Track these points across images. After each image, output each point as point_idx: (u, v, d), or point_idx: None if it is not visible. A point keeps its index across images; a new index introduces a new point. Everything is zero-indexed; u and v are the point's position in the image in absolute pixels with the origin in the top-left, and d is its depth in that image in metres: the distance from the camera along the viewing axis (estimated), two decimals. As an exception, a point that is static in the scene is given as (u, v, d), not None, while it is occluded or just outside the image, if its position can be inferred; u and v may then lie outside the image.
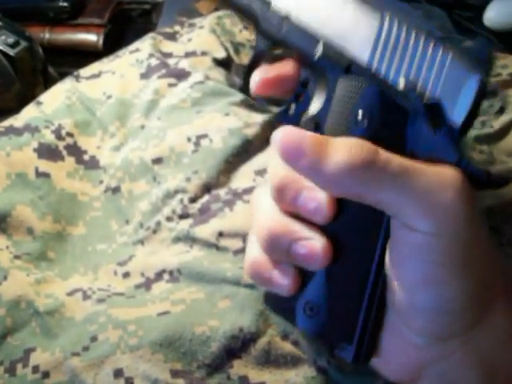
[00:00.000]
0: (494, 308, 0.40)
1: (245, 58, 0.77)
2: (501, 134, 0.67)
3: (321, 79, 0.45)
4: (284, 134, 0.39)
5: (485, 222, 0.41)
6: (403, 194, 0.37)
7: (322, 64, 0.44)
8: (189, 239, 0.59)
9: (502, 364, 0.41)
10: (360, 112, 0.42)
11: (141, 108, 0.70)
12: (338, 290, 0.43)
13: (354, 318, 0.42)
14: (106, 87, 0.73)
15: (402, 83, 0.42)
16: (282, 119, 0.47)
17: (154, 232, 0.61)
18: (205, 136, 0.64)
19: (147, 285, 0.57)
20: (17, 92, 0.76)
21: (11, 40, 0.74)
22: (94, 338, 0.52)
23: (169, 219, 0.61)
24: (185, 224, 0.60)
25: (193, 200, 0.61)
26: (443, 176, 0.38)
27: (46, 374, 0.50)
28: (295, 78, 0.47)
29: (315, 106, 0.45)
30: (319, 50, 0.44)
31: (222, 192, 0.61)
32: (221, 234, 0.58)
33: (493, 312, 0.40)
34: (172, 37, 0.79)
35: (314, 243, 0.41)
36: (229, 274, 0.55)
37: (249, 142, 0.64)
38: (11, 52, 0.74)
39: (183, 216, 0.61)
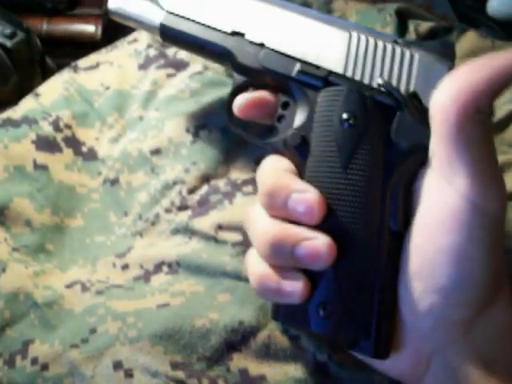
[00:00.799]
0: (496, 300, 0.41)
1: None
2: (503, 124, 0.66)
3: (301, 95, 0.48)
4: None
5: None
6: (482, 161, 0.40)
7: (301, 79, 0.48)
8: (188, 231, 0.59)
9: (500, 356, 0.42)
10: (344, 115, 0.44)
11: (139, 99, 0.69)
12: (349, 286, 0.43)
13: (369, 311, 0.43)
14: (104, 78, 0.72)
15: (379, 81, 0.45)
16: (265, 141, 0.50)
17: (153, 224, 0.61)
18: (204, 127, 0.64)
19: (146, 277, 0.57)
20: (14, 84, 0.76)
21: (8, 31, 0.74)
22: (93, 330, 0.52)
23: (167, 211, 0.61)
24: (183, 216, 0.60)
25: (191, 191, 0.61)
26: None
27: (45, 366, 0.50)
28: (275, 102, 0.51)
29: (299, 120, 0.48)
30: (297, 67, 0.48)
31: (221, 183, 0.61)
32: (220, 227, 0.57)
33: (495, 304, 0.41)
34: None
35: (316, 242, 0.42)
36: (228, 267, 0.55)
37: None
38: (8, 43, 0.74)
39: (182, 208, 0.61)
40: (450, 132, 0.39)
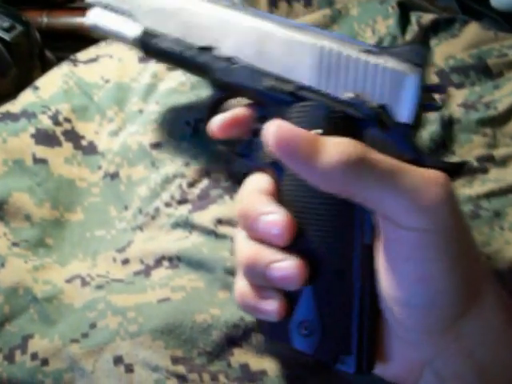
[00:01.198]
0: (482, 303, 0.41)
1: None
2: (505, 116, 0.66)
3: (274, 111, 0.47)
4: (278, 128, 0.40)
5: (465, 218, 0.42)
6: (394, 192, 0.38)
7: (271, 95, 0.47)
8: (188, 225, 0.59)
9: (491, 360, 0.41)
10: (314, 131, 0.43)
11: (139, 92, 0.69)
12: (327, 304, 0.43)
13: (348, 328, 0.43)
14: (103, 71, 0.72)
15: (349, 95, 0.44)
16: (244, 156, 0.50)
17: (153, 218, 0.60)
18: (203, 120, 0.64)
19: (147, 271, 0.57)
20: (13, 77, 0.75)
21: (7, 24, 0.74)
22: (93, 325, 0.52)
23: (167, 205, 0.61)
24: (183, 210, 0.60)
25: (191, 185, 0.61)
26: (428, 174, 0.39)
27: (45, 361, 0.50)
28: (251, 117, 0.50)
29: None
30: (266, 82, 0.47)
31: (221, 177, 0.61)
32: (219, 221, 0.57)
33: (481, 308, 0.41)
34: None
35: (286, 264, 0.42)
36: (228, 264, 0.55)
37: None
38: (7, 37, 0.74)
39: (182, 201, 0.60)
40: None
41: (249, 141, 0.50)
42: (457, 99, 0.69)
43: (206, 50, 0.51)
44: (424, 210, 0.38)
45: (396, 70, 0.44)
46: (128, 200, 0.63)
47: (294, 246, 0.44)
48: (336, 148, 0.39)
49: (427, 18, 0.76)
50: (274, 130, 0.39)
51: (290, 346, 0.45)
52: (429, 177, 0.39)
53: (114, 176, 0.64)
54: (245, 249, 0.45)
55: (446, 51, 0.75)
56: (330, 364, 0.44)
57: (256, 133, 0.50)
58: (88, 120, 0.69)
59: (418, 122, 0.44)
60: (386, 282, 0.41)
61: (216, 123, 0.51)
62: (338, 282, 0.43)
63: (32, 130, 0.65)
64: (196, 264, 0.56)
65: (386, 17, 0.77)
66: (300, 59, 0.47)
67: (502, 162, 0.62)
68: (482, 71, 0.71)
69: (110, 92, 0.70)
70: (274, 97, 0.47)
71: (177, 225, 0.59)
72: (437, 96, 0.69)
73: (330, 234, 0.43)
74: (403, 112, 0.44)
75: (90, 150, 0.67)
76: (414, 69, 0.44)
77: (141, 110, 0.68)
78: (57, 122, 0.67)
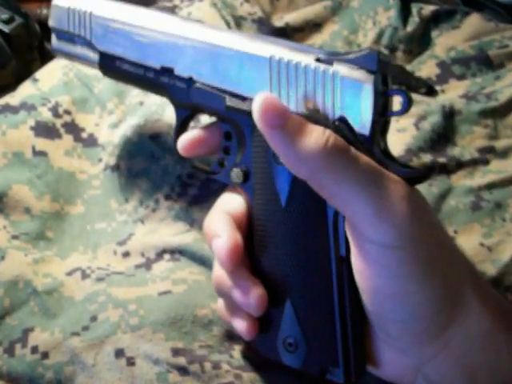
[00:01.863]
0: (466, 310, 0.41)
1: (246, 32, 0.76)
2: (506, 107, 0.66)
3: (237, 131, 0.47)
4: (267, 99, 0.39)
5: (442, 224, 0.43)
6: (362, 195, 0.38)
7: (231, 115, 0.46)
8: (188, 218, 0.59)
9: (481, 364, 0.41)
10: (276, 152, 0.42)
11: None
12: (309, 319, 0.44)
13: (333, 340, 0.43)
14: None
15: (304, 111, 0.42)
16: (217, 174, 0.49)
17: (153, 210, 0.61)
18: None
19: (147, 265, 0.57)
20: (13, 69, 0.75)
21: (6, 16, 0.73)
22: (93, 318, 0.52)
23: (167, 197, 0.61)
24: (183, 202, 0.60)
25: (191, 176, 0.61)
26: (401, 185, 0.39)
27: (46, 355, 0.50)
28: (217, 136, 0.50)
29: (240, 156, 0.47)
30: (225, 101, 0.46)
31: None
32: None
33: (466, 314, 0.41)
34: (171, 11, 0.78)
35: (249, 292, 0.43)
36: None
37: None
38: (6, 29, 0.73)
39: (182, 193, 0.60)
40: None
41: (220, 158, 0.49)
42: (458, 90, 0.69)
43: (167, 70, 0.49)
44: (388, 225, 0.37)
45: (349, 78, 0.41)
46: (128, 192, 0.63)
47: (266, 264, 0.45)
48: (322, 134, 0.39)
49: (428, 9, 0.76)
50: (262, 100, 0.39)
51: (279, 362, 0.46)
52: (402, 189, 0.39)
53: (115, 168, 0.64)
54: (214, 270, 0.46)
55: (447, 43, 0.75)
56: (318, 376, 0.44)
57: (226, 150, 0.49)
58: (88, 112, 0.69)
59: (385, 128, 0.42)
60: (364, 297, 0.41)
61: (181, 143, 0.50)
62: (317, 297, 0.43)
63: (32, 123, 0.65)
64: (198, 260, 0.56)
65: (386, 8, 0.77)
66: (251, 74, 0.45)
67: (504, 154, 0.62)
68: (483, 62, 0.71)
69: (110, 84, 0.70)
70: (235, 115, 0.46)
71: (177, 217, 0.59)
72: (438, 87, 0.69)
73: (303, 249, 0.43)
74: (361, 122, 0.41)
75: (91, 142, 0.67)
76: (368, 76, 0.41)
77: (141, 102, 0.67)
78: (57, 114, 0.67)
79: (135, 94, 0.69)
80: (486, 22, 0.75)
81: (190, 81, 0.48)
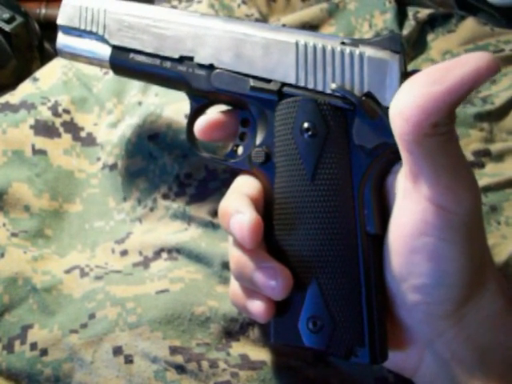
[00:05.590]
0: (484, 290, 0.42)
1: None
2: (502, 111, 0.66)
3: (259, 112, 0.48)
4: None
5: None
6: (443, 167, 0.39)
7: (255, 96, 0.47)
8: (186, 217, 0.59)
9: (491, 343, 0.42)
10: (303, 126, 0.44)
11: (138, 84, 0.69)
12: (335, 297, 0.43)
13: (359, 318, 0.43)
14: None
15: (332, 86, 0.45)
16: (230, 162, 0.50)
17: (151, 210, 0.61)
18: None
19: (145, 263, 0.57)
20: (13, 68, 0.75)
21: (7, 16, 0.74)
22: (92, 316, 0.52)
23: (165, 196, 0.61)
24: (181, 201, 0.60)
25: (189, 177, 0.61)
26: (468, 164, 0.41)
27: (45, 351, 0.50)
28: (235, 121, 0.51)
29: (260, 137, 0.47)
30: (249, 84, 0.47)
31: (219, 169, 0.61)
32: (216, 212, 0.58)
33: (483, 294, 0.42)
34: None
35: (275, 274, 0.43)
36: (226, 258, 0.55)
37: None
38: (7, 28, 0.74)
39: (179, 193, 0.61)
40: (407, 145, 0.39)
41: (235, 145, 0.51)
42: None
43: (186, 59, 0.51)
44: (455, 193, 0.39)
45: (375, 57, 0.45)
46: (126, 191, 0.63)
47: (289, 245, 0.44)
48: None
49: (424, 12, 0.77)
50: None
51: (300, 346, 0.44)
52: (467, 165, 0.41)
53: (113, 167, 0.64)
54: (232, 252, 0.45)
55: (442, 46, 0.75)
56: (343, 357, 0.43)
57: (242, 137, 0.50)
58: (87, 111, 0.69)
59: None
60: (398, 258, 0.41)
61: (200, 125, 0.51)
62: (344, 273, 0.43)
63: (31, 121, 0.65)
64: (195, 258, 0.57)
65: (383, 11, 0.77)
66: (278, 58, 0.47)
67: (499, 157, 0.62)
68: None
69: (109, 84, 0.70)
70: (259, 97, 0.47)
71: (175, 217, 0.60)
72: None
73: (330, 225, 0.43)
74: (388, 98, 0.44)
75: (89, 141, 0.67)
76: (393, 55, 0.44)
77: (140, 102, 0.68)
78: (56, 113, 0.67)
79: (134, 93, 0.69)
80: (481, 26, 0.76)
81: (210, 68, 0.49)
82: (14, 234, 0.59)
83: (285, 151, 0.45)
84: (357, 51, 0.45)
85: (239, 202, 0.44)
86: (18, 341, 0.51)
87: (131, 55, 0.53)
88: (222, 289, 0.55)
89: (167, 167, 0.62)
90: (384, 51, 0.45)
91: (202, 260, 0.56)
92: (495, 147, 0.63)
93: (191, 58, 0.50)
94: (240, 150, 0.50)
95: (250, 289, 0.45)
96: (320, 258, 0.43)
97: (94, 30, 0.54)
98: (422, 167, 0.39)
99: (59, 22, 0.56)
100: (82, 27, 0.55)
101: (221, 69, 0.49)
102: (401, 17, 0.77)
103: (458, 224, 0.39)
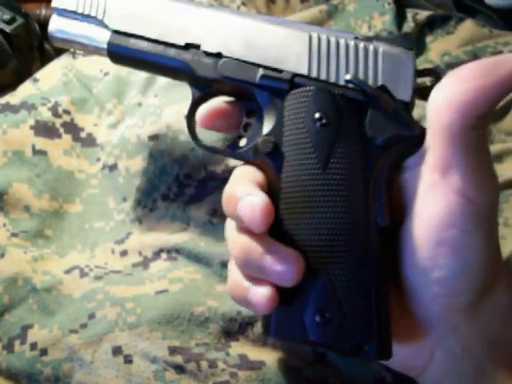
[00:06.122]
0: (498, 283, 0.42)
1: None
2: (501, 112, 0.67)
3: (267, 101, 0.47)
4: None
5: None
6: (478, 160, 0.40)
7: (265, 84, 0.47)
8: (185, 217, 0.59)
9: (501, 336, 0.42)
10: (316, 115, 0.44)
11: (138, 85, 0.69)
12: (345, 289, 0.42)
13: (368, 312, 0.42)
14: (102, 64, 0.72)
15: (347, 77, 0.45)
16: (234, 152, 0.48)
17: (151, 210, 0.61)
18: None
19: (145, 264, 0.57)
20: (13, 69, 0.75)
21: (7, 16, 0.74)
22: (91, 316, 0.52)
23: (164, 197, 0.61)
24: (180, 202, 0.60)
25: (189, 177, 0.61)
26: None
27: (44, 351, 0.50)
28: (238, 111, 0.50)
29: (268, 126, 0.46)
30: (260, 72, 0.47)
31: (218, 169, 0.61)
32: (215, 212, 0.58)
33: (495, 289, 0.42)
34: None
35: (287, 257, 0.41)
36: (225, 257, 0.55)
37: None
38: (7, 29, 0.74)
39: (179, 194, 0.61)
40: (450, 136, 0.40)
41: (238, 136, 0.50)
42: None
43: (193, 46, 0.49)
44: (482, 182, 0.40)
45: (390, 52, 0.45)
46: (126, 192, 0.63)
47: (299, 234, 0.43)
48: None
49: (423, 14, 0.77)
50: None
51: (304, 341, 0.43)
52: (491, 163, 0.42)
53: (113, 168, 0.64)
54: (236, 239, 0.44)
55: (441, 48, 0.75)
56: (350, 352, 0.42)
57: (245, 127, 0.49)
58: (87, 112, 0.69)
59: (412, 104, 0.45)
60: (422, 250, 0.42)
61: (202, 113, 0.50)
62: (354, 265, 0.42)
63: (32, 122, 0.66)
64: (194, 258, 0.57)
65: (382, 13, 0.77)
66: (290, 48, 0.47)
67: (498, 158, 0.63)
68: None
69: (109, 85, 0.70)
70: (269, 86, 0.47)
71: (175, 217, 0.60)
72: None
73: (341, 216, 0.43)
74: (401, 92, 0.45)
75: (89, 142, 0.67)
76: (406, 51, 0.45)
77: (140, 102, 0.68)
78: (56, 114, 0.67)
79: (134, 94, 0.69)
80: (479, 28, 0.76)
81: (217, 56, 0.48)
82: (14, 235, 0.59)
83: (295, 140, 0.45)
84: (371, 46, 0.46)
85: (248, 185, 0.43)
86: (17, 341, 0.52)
87: (132, 41, 0.50)
88: (221, 288, 0.55)
89: (167, 168, 0.62)
90: (397, 48, 0.46)
91: (202, 260, 0.56)
92: (494, 148, 0.63)
93: (197, 46, 0.49)
94: (243, 141, 0.49)
95: (254, 277, 0.43)
96: (331, 248, 0.42)
97: (93, 13, 0.52)
98: (458, 160, 0.40)
99: (54, 4, 0.53)
100: (80, 11, 0.52)
101: (229, 57, 0.48)
102: (400, 18, 0.77)
103: (483, 216, 0.40)
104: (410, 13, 0.78)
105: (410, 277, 0.43)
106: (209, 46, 0.49)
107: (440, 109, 0.40)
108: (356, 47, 0.46)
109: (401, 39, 0.46)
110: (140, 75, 0.70)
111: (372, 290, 0.42)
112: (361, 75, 0.45)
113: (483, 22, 0.78)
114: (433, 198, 0.41)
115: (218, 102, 0.51)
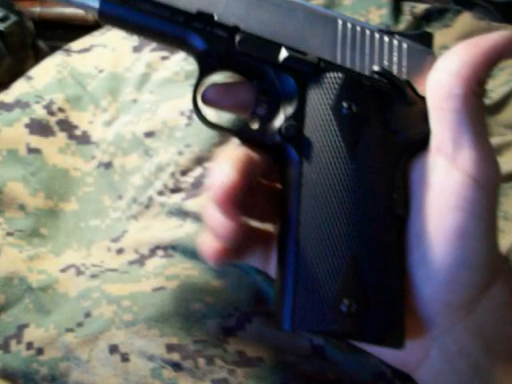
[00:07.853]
0: (497, 278, 0.42)
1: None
2: (499, 105, 0.66)
3: (287, 83, 0.45)
4: None
5: None
6: (480, 134, 0.41)
7: (289, 66, 0.44)
8: (181, 213, 0.59)
9: (498, 335, 0.42)
10: (344, 103, 0.43)
11: (133, 82, 0.69)
12: (371, 277, 0.42)
13: (391, 301, 0.42)
14: (97, 61, 0.72)
15: (376, 68, 0.44)
16: (244, 133, 0.45)
17: (147, 207, 0.61)
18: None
19: (141, 261, 0.57)
20: (7, 67, 0.75)
21: (0, 14, 0.74)
22: (87, 314, 0.52)
23: (160, 193, 0.61)
24: (177, 198, 0.60)
25: (185, 173, 0.61)
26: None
27: (41, 351, 0.50)
28: (247, 91, 0.47)
29: (287, 110, 0.45)
30: (284, 53, 0.44)
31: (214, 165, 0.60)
32: None
33: (495, 282, 0.42)
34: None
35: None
36: None
37: None
38: (0, 26, 0.74)
39: (175, 190, 0.61)
40: (456, 103, 0.40)
41: (252, 115, 0.46)
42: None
43: (205, 16, 0.44)
44: (489, 163, 0.40)
45: (416, 48, 0.46)
46: (122, 189, 0.63)
47: (324, 221, 0.42)
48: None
49: (420, 7, 0.77)
50: None
51: (329, 332, 0.41)
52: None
53: (108, 165, 0.64)
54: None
55: (438, 41, 0.74)
56: (375, 342, 0.41)
57: (257, 108, 0.46)
58: (82, 110, 0.69)
59: None
60: (425, 237, 0.41)
61: (208, 88, 0.47)
62: (380, 253, 0.42)
63: (26, 120, 0.65)
64: (191, 254, 0.56)
65: (379, 6, 0.77)
66: (315, 31, 0.45)
67: (497, 151, 0.62)
68: None
69: (104, 82, 0.70)
70: (292, 68, 0.44)
71: (171, 213, 0.59)
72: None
73: (366, 202, 0.42)
74: (422, 89, 0.44)
75: (84, 139, 0.67)
76: (429, 50, 0.46)
77: (135, 99, 0.68)
78: (51, 112, 0.67)
79: (128, 91, 0.69)
80: (477, 21, 0.75)
81: (234, 30, 0.45)
82: (9, 234, 0.59)
83: (320, 126, 0.43)
84: (395, 40, 0.46)
85: (223, 162, 0.43)
86: (13, 340, 0.51)
87: (132, 1, 0.44)
88: (217, 283, 0.54)
89: (162, 164, 0.62)
90: (419, 44, 0.46)
91: (198, 256, 0.56)
92: (493, 141, 0.62)
93: (211, 16, 0.44)
94: (255, 122, 0.46)
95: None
96: (355, 237, 0.42)
97: None
98: (464, 130, 0.40)
99: None
100: None
101: (247, 33, 0.45)
102: (397, 12, 0.77)
103: (487, 201, 0.40)
104: (407, 6, 0.77)
105: (410, 270, 0.43)
106: (225, 18, 0.45)
107: (440, 78, 0.41)
108: (381, 39, 0.46)
109: (420, 35, 0.47)
110: (135, 72, 0.69)
111: (394, 278, 0.42)
112: (386, 65, 0.45)
113: (481, 14, 0.78)
114: (437, 182, 0.41)
115: (227, 78, 0.49)
